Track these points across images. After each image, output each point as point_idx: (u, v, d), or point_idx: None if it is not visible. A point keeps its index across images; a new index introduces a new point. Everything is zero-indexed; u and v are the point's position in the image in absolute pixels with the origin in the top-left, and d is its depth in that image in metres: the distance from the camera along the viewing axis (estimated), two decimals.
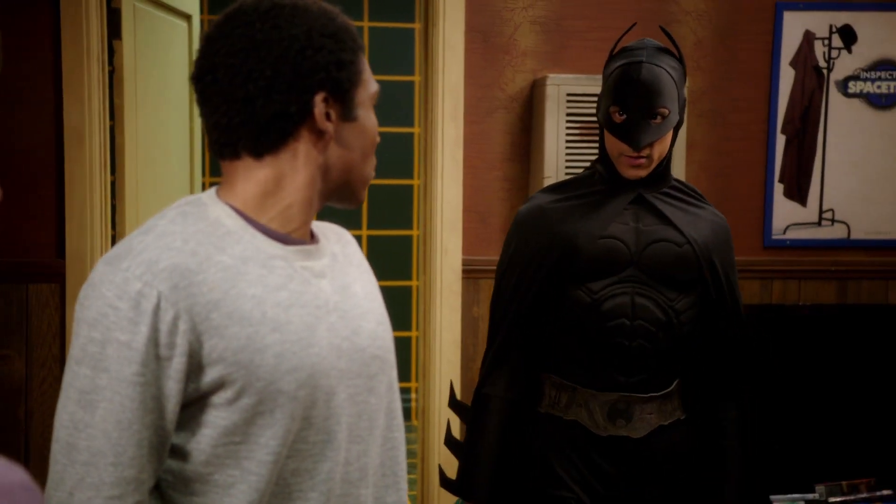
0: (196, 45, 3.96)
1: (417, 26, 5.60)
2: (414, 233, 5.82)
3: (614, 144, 2.14)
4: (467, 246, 3.40)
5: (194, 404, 1.27)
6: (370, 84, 1.38)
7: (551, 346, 2.25)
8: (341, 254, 1.45)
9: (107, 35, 3.29)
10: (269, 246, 1.32)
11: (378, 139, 1.41)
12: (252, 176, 1.34)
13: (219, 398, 1.26)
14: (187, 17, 3.94)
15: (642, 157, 2.11)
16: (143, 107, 3.50)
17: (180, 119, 3.91)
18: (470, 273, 3.41)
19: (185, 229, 1.29)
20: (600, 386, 2.19)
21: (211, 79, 1.31)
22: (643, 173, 2.15)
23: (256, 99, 1.29)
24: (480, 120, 3.39)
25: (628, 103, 2.09)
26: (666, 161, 2.21)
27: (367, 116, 1.38)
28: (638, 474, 2.23)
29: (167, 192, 3.80)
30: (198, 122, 4.05)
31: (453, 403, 2.49)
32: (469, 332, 3.44)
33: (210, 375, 1.25)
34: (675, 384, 2.25)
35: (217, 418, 1.26)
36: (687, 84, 3.34)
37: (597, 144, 3.30)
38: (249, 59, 1.29)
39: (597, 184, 2.23)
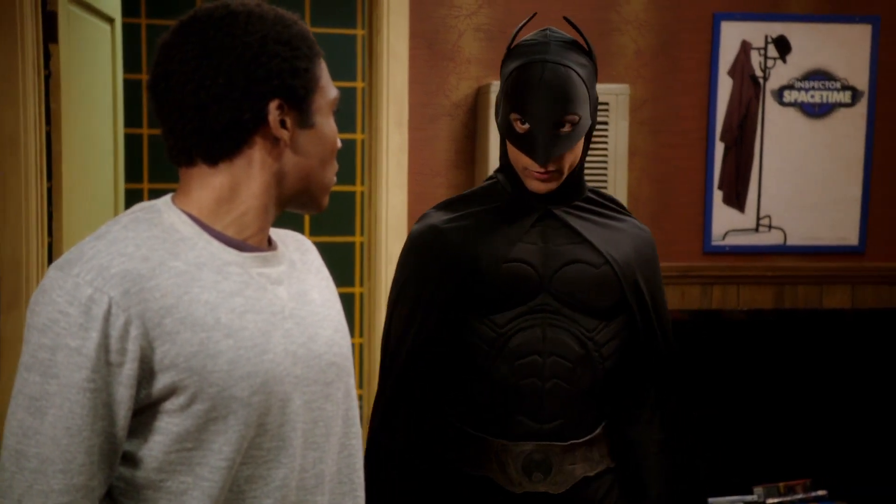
0: (119, 48, 3.95)
1: (359, 32, 5.60)
2: (356, 239, 5.81)
3: (518, 157, 1.85)
4: None
5: (146, 411, 1.26)
6: (328, 91, 1.39)
7: (454, 389, 1.94)
8: (300, 261, 1.45)
9: (42, 39, 3.23)
10: (225, 252, 1.33)
11: (339, 145, 1.42)
12: (207, 183, 1.34)
13: (171, 404, 1.25)
14: (110, 21, 3.90)
15: (550, 170, 1.83)
16: (77, 112, 3.45)
17: (107, 124, 3.87)
18: None
19: (137, 235, 1.29)
20: (513, 435, 1.88)
21: (165, 86, 1.32)
22: (552, 186, 1.86)
23: (210, 106, 1.29)
24: (425, 126, 3.40)
25: (531, 111, 1.79)
26: (578, 170, 1.91)
27: (326, 123, 1.38)
28: None
29: (103, 198, 3.74)
30: (122, 127, 4.02)
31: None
32: None
33: (162, 381, 1.24)
34: (600, 428, 1.96)
35: (169, 424, 1.26)
36: (629, 93, 3.39)
37: None
38: (203, 67, 1.29)
39: (499, 198, 1.92)
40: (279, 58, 1.31)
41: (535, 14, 2.07)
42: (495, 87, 3.29)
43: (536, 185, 1.86)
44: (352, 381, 1.46)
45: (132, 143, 5.66)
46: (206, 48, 1.30)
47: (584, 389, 1.89)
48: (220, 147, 1.32)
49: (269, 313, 1.33)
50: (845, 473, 3.59)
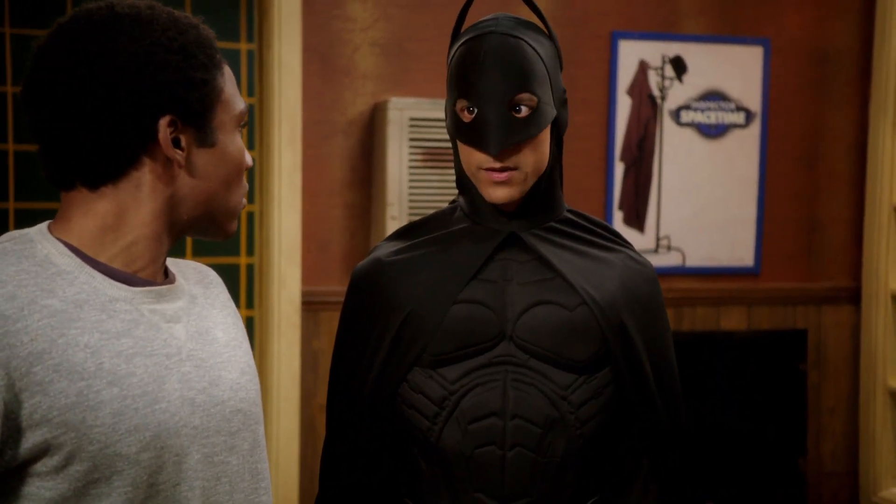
0: None
1: (244, 46, 5.41)
2: (242, 260, 5.60)
3: (469, 156, 1.51)
4: (307, 276, 3.28)
5: (13, 474, 1.11)
6: (233, 104, 1.25)
7: (401, 458, 1.62)
8: (202, 295, 1.30)
9: None
10: (110, 287, 1.18)
11: (249, 163, 1.27)
12: (89, 209, 1.19)
13: (43, 466, 1.10)
14: None
15: (507, 167, 1.48)
16: None
17: None
18: (310, 305, 3.29)
19: (3, 269, 1.13)
20: None
21: (39, 98, 1.17)
22: (513, 192, 1.50)
23: (89, 122, 1.15)
24: (319, 144, 3.27)
25: (476, 91, 1.47)
26: (547, 181, 1.55)
27: (230, 140, 1.24)
28: None
29: None
30: None
31: None
32: (308, 366, 3.30)
33: (32, 440, 1.09)
34: None
35: (41, 489, 1.11)
36: None
37: (444, 171, 3.22)
38: (80, 77, 1.15)
39: (457, 222, 1.59)
40: (171, 68, 1.17)
41: None
42: (393, 103, 3.18)
43: (493, 192, 1.50)
44: (261, 429, 1.31)
45: None
46: (85, 56, 1.15)
47: (555, 461, 1.52)
48: (101, 169, 1.17)
49: (162, 356, 1.18)
50: (742, 494, 3.59)
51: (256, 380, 1.32)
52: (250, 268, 3.58)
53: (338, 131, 3.29)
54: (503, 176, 1.48)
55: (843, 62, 3.72)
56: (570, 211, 1.61)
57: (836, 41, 3.71)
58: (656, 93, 3.58)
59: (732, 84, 3.65)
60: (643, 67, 3.56)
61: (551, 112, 1.51)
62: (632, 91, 3.56)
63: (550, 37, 1.56)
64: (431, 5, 3.33)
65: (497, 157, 1.47)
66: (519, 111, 1.48)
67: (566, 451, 1.53)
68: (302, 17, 3.22)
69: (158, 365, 1.17)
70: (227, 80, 1.24)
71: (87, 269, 1.17)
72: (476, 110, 1.48)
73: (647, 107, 3.58)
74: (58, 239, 1.18)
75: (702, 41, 3.60)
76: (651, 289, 1.59)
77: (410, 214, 3.19)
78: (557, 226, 1.57)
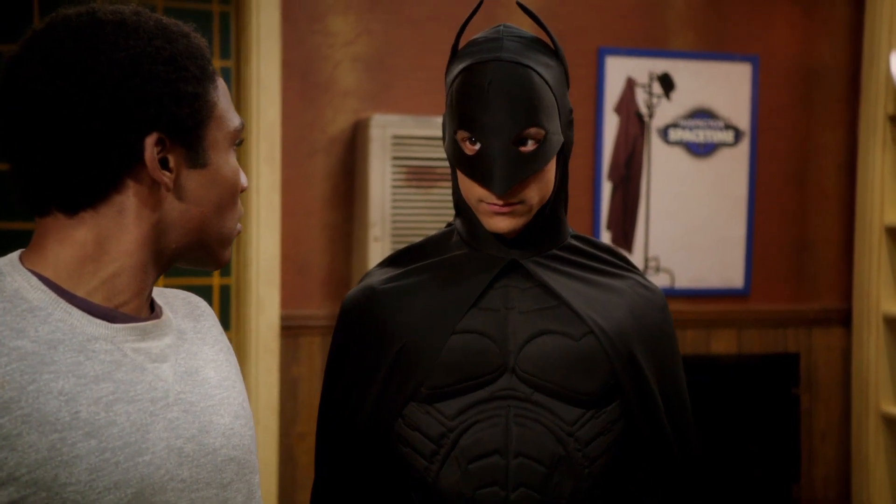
0: None
1: (218, 63, 5.29)
2: (216, 281, 5.47)
3: (469, 187, 1.44)
4: (286, 299, 3.16)
5: None
6: (228, 120, 1.13)
7: (397, 501, 1.53)
8: (192, 330, 1.18)
9: None
10: (89, 325, 1.06)
11: (244, 185, 1.16)
12: (66, 236, 1.07)
13: None
14: None
15: (512, 202, 1.41)
16: None
17: None
18: (288, 329, 3.18)
19: None
20: None
21: (10, 113, 1.05)
22: (516, 224, 1.42)
23: (66, 140, 1.04)
24: (299, 163, 3.17)
25: (481, 125, 1.39)
26: (553, 206, 1.47)
27: (224, 161, 1.13)
28: None
29: None
30: None
31: None
32: (287, 394, 3.18)
33: None
34: None
35: None
36: None
37: (429, 190, 3.12)
38: (57, 90, 1.03)
39: (454, 248, 1.51)
40: (159, 80, 1.06)
41: (482, 1, 1.52)
42: (375, 120, 3.09)
43: (496, 223, 1.42)
44: (256, 478, 1.19)
45: None
46: (62, 66, 1.04)
47: (562, 502, 1.44)
48: (80, 193, 1.06)
49: (147, 401, 1.07)
50: None
51: (251, 424, 1.20)
52: (225, 289, 3.45)
53: (318, 149, 3.19)
54: (507, 209, 1.41)
55: (832, 80, 3.66)
56: (574, 236, 1.53)
57: (825, 59, 3.65)
58: (644, 110, 3.50)
59: (721, 102, 3.58)
60: (630, 84, 3.48)
61: (559, 141, 1.43)
62: (619, 108, 3.48)
63: (557, 53, 1.47)
64: (415, 19, 3.24)
65: (500, 195, 1.39)
66: (525, 145, 1.40)
67: (574, 492, 1.44)
68: (281, 31, 3.12)
69: (142, 411, 1.05)
70: (221, 95, 1.13)
71: (63, 304, 1.05)
72: (480, 145, 1.40)
73: (635, 124, 3.50)
74: (30, 271, 1.06)
75: (690, 58, 3.53)
76: (661, 317, 1.51)
77: (393, 235, 3.09)
78: (561, 253, 1.49)
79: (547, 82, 1.41)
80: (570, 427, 1.43)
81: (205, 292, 5.91)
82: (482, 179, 1.40)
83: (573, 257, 1.49)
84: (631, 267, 1.54)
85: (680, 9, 3.51)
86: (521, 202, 1.41)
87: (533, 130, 1.39)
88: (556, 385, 1.43)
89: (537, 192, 1.42)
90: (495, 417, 1.43)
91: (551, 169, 1.44)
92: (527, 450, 1.42)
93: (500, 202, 1.40)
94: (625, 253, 3.19)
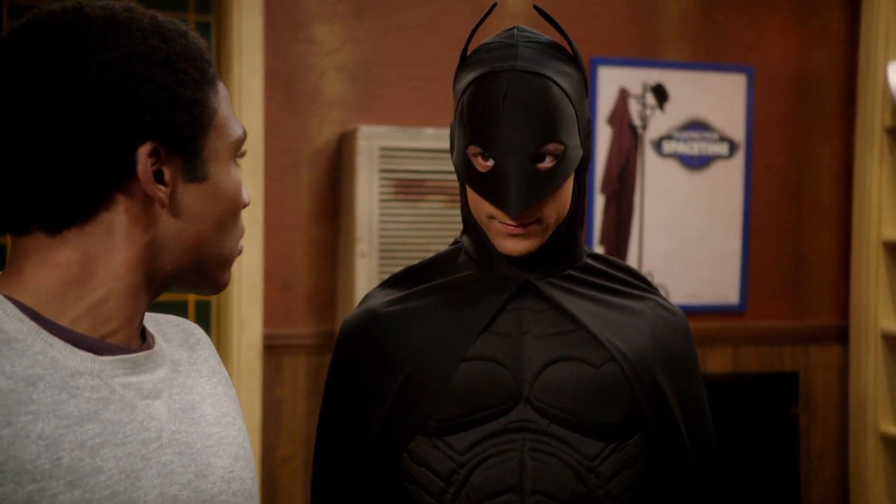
0: None
1: None
2: (190, 298, 5.34)
3: (480, 204, 1.35)
4: (268, 317, 3.07)
5: None
6: (230, 129, 1.03)
7: None
8: (187, 361, 1.07)
9: None
10: (73, 358, 0.95)
11: (246, 201, 1.05)
12: (48, 258, 0.96)
13: None
14: None
15: (528, 222, 1.32)
16: None
17: None
18: (272, 349, 3.09)
19: None
20: None
21: None
22: (531, 245, 1.33)
23: (49, 151, 0.93)
24: (283, 176, 3.08)
25: (495, 141, 1.30)
26: (569, 224, 1.38)
27: (225, 174, 1.02)
28: None
29: None
30: None
31: None
32: (270, 416, 3.08)
33: None
34: None
35: None
36: None
37: (418, 204, 3.02)
38: (39, 95, 0.93)
39: (462, 267, 1.41)
40: (153, 83, 0.95)
41: (495, 4, 1.46)
42: (362, 132, 2.99)
43: (509, 245, 1.33)
44: None
45: None
46: (45, 68, 0.93)
47: None
48: (64, 209, 0.95)
49: (138, 443, 0.96)
50: None
51: (252, 465, 1.09)
52: (204, 306, 3.34)
53: (302, 161, 3.10)
54: (521, 230, 1.32)
55: (828, 91, 3.60)
56: (590, 255, 1.43)
57: (821, 70, 3.59)
58: (637, 122, 3.42)
59: (715, 113, 3.50)
60: (623, 95, 3.40)
61: (578, 155, 1.34)
62: (612, 120, 3.40)
63: (575, 59, 1.37)
64: (402, 27, 3.15)
65: (515, 216, 1.30)
66: (542, 161, 1.31)
67: None
68: (264, 40, 3.04)
69: (133, 455, 0.95)
70: (222, 100, 1.02)
71: (44, 335, 0.94)
72: (493, 161, 1.30)
73: (628, 136, 3.41)
74: (6, 297, 0.95)
75: (683, 68, 3.46)
76: (684, 340, 1.42)
77: (381, 251, 2.99)
78: (577, 274, 1.39)
79: (566, 93, 1.32)
80: (590, 462, 1.34)
81: (180, 309, 5.77)
82: (496, 199, 1.31)
83: (590, 278, 1.40)
84: (650, 287, 1.45)
85: (674, 18, 3.43)
86: (538, 221, 1.32)
87: (552, 146, 1.30)
88: (574, 416, 1.34)
89: (554, 211, 1.33)
90: (509, 452, 1.33)
91: (569, 185, 1.35)
92: (544, 487, 1.33)
93: (515, 222, 1.31)
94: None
